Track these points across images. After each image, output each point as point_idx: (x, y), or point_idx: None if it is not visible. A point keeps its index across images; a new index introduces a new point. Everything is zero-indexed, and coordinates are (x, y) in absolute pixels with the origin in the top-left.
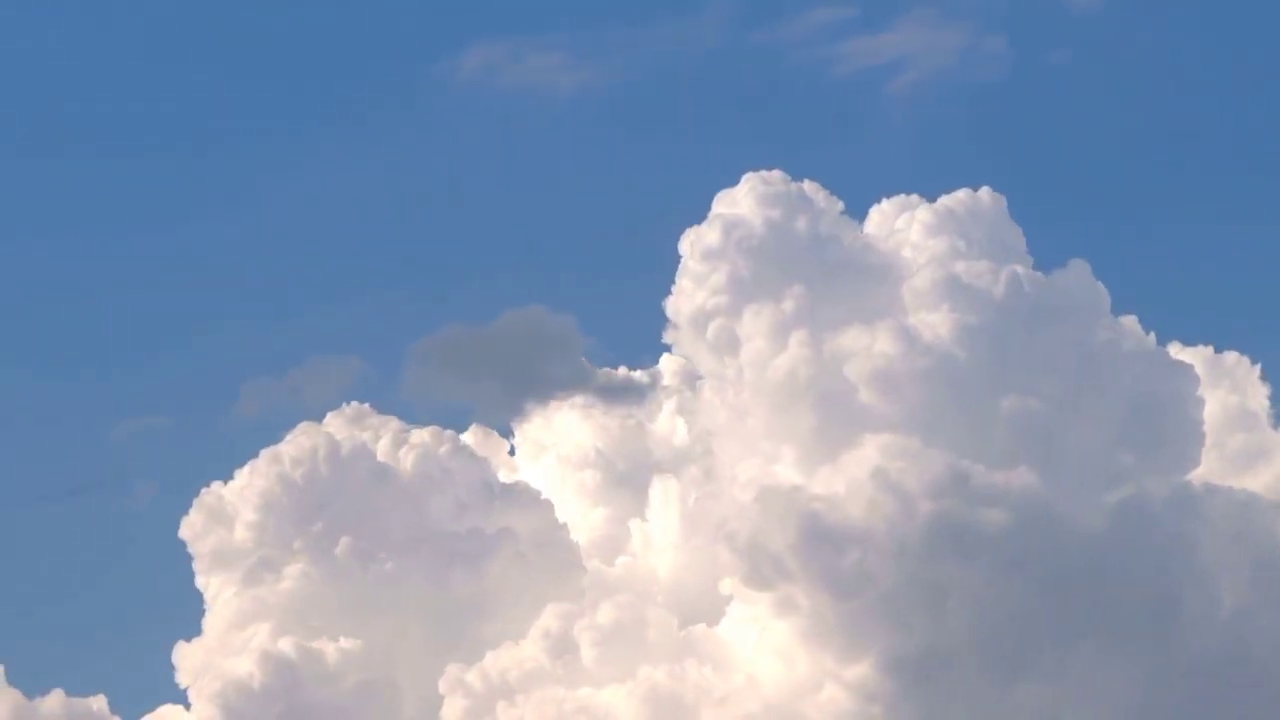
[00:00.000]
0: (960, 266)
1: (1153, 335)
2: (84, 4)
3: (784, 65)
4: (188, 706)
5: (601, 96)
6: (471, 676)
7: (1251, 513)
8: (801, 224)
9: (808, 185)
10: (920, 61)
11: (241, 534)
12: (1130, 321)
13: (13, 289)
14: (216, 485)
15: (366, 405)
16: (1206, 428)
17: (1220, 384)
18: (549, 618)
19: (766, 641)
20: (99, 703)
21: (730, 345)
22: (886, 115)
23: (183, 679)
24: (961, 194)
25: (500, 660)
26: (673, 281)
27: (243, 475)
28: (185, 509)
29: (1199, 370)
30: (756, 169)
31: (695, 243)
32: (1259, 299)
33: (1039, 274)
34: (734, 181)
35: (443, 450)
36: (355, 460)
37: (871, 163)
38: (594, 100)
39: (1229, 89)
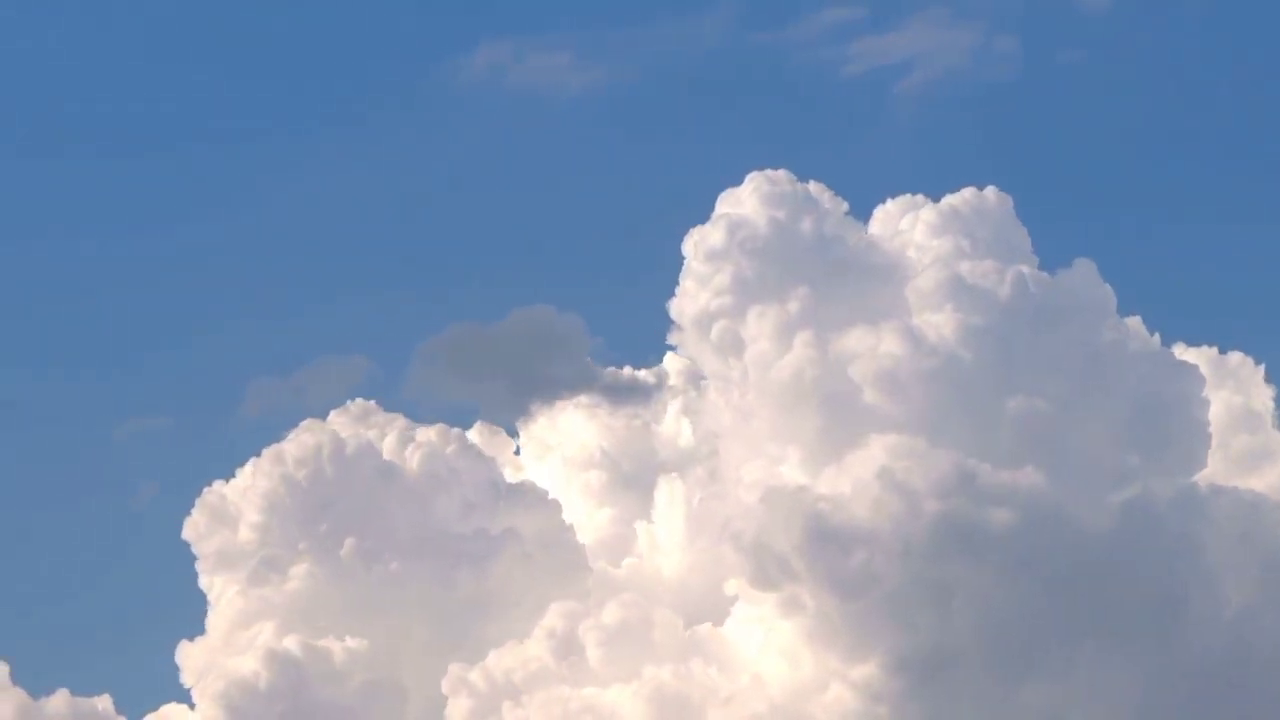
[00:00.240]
0: (965, 267)
1: (1157, 336)
2: (86, 4)
3: (792, 65)
4: (192, 706)
5: (608, 96)
6: (477, 676)
7: (1257, 513)
8: (806, 224)
9: (813, 186)
10: (930, 62)
11: (245, 534)
12: (1135, 322)
13: (17, 288)
14: (218, 484)
15: (372, 402)
16: (1211, 429)
17: (1224, 385)
18: (554, 617)
19: (772, 641)
20: (104, 702)
21: (735, 346)
22: (895, 116)
23: (187, 678)
24: (967, 193)
25: (505, 660)
26: (678, 282)
27: (245, 474)
28: (189, 509)
29: (1203, 371)
30: (763, 170)
31: (699, 243)
32: (1263, 299)
33: (1044, 274)
34: (742, 182)
35: (449, 450)
36: (360, 458)
37: (880, 163)
38: (600, 100)
39: (1237, 90)
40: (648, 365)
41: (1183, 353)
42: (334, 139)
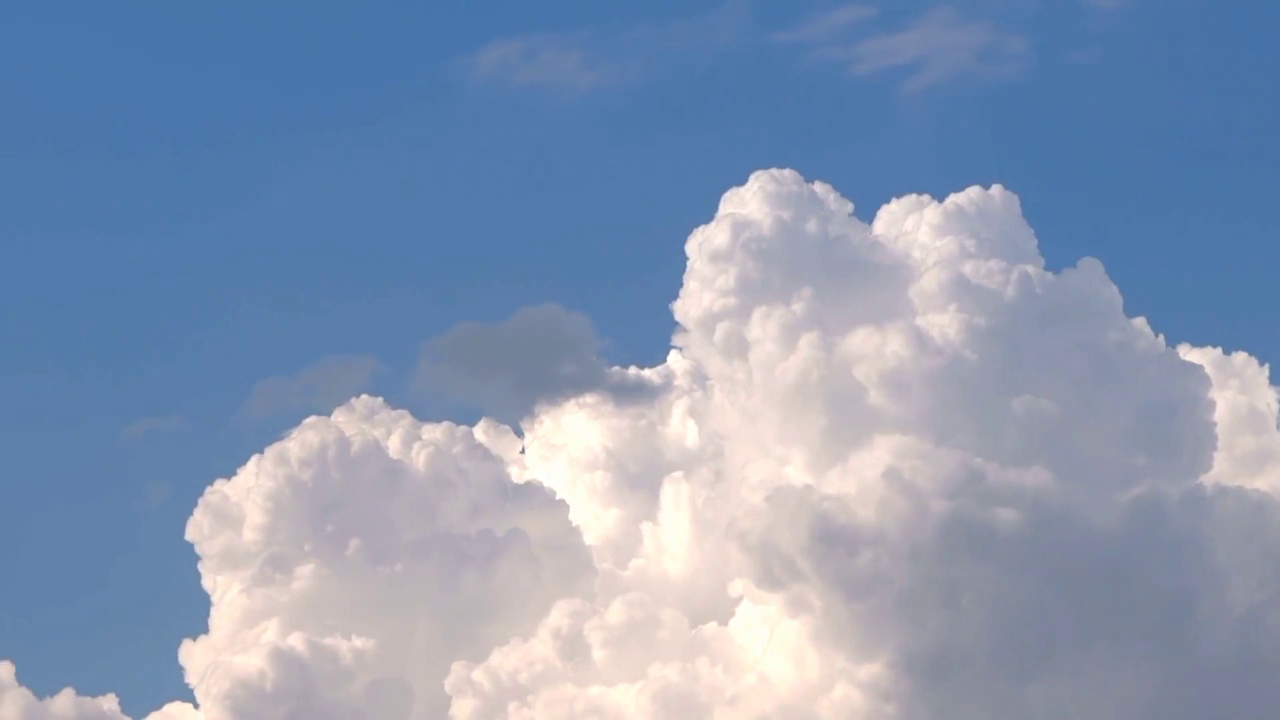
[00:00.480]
0: (970, 267)
1: (1162, 337)
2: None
3: (802, 65)
4: (197, 705)
5: (618, 95)
6: (482, 676)
7: (1263, 513)
8: (811, 225)
9: (818, 186)
10: (940, 61)
11: (250, 533)
12: (1140, 323)
13: (24, 289)
14: (220, 483)
15: (379, 399)
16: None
17: (1229, 385)
18: (559, 617)
19: (778, 641)
20: (110, 702)
21: (739, 348)
22: (904, 115)
23: (192, 678)
24: (973, 192)
25: (511, 659)
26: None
27: (248, 472)
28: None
29: (1207, 371)
30: (769, 169)
31: (703, 244)
32: (1267, 300)
33: (1050, 274)
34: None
35: (456, 450)
36: (366, 458)
37: (889, 163)
38: (610, 99)
39: (1246, 91)
40: (654, 365)
41: (1186, 353)
42: (341, 137)
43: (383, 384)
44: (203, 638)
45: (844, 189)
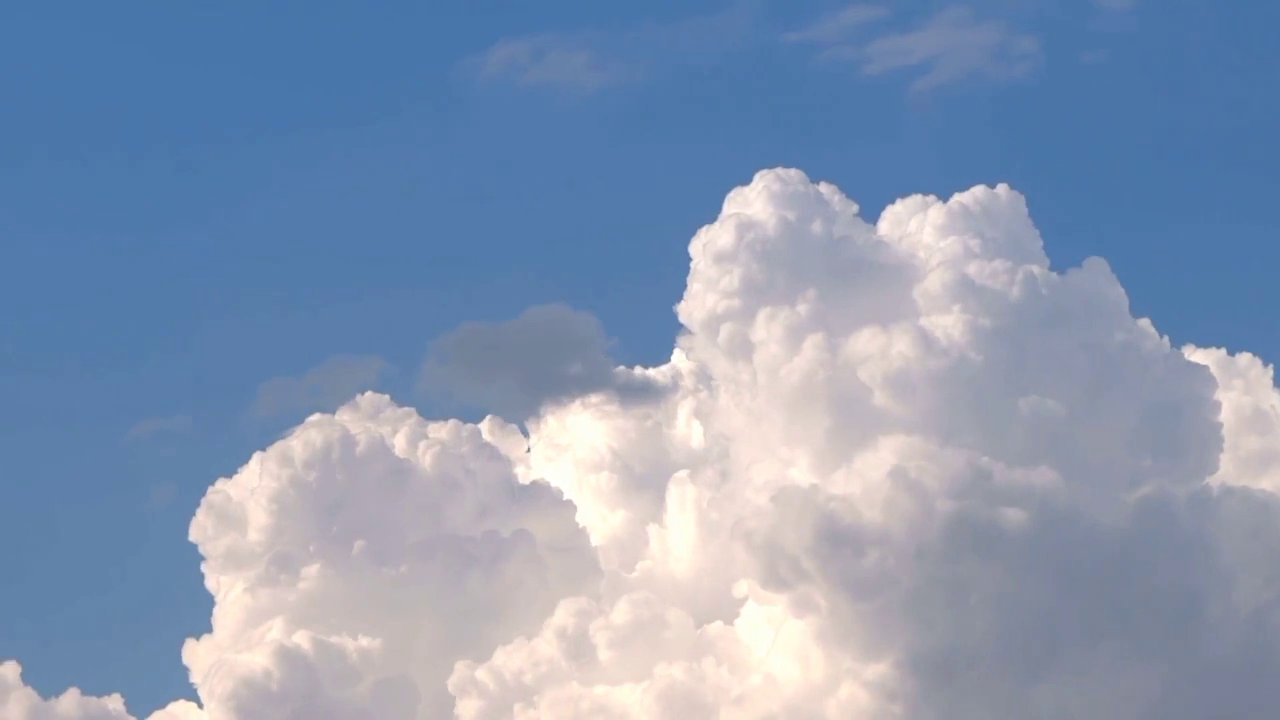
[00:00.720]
0: (975, 267)
1: (1167, 338)
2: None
3: (812, 65)
4: (201, 705)
5: (626, 96)
6: (487, 676)
7: (1268, 513)
8: (816, 226)
9: (824, 186)
10: (950, 61)
11: (254, 534)
12: (1145, 324)
13: (30, 290)
14: (222, 483)
15: (385, 396)
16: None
17: (1233, 386)
18: (564, 616)
19: (784, 640)
20: (114, 702)
21: (743, 349)
22: (914, 116)
23: (196, 678)
24: (979, 191)
25: (516, 659)
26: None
27: (252, 471)
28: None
29: (1212, 372)
30: (775, 169)
31: (707, 245)
32: (1272, 301)
33: (1055, 275)
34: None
35: (463, 449)
36: (372, 457)
37: (897, 163)
38: (618, 99)
39: (1254, 93)
40: (660, 365)
41: (1192, 354)
42: (349, 137)
43: (389, 384)
44: (206, 637)
45: (850, 189)
